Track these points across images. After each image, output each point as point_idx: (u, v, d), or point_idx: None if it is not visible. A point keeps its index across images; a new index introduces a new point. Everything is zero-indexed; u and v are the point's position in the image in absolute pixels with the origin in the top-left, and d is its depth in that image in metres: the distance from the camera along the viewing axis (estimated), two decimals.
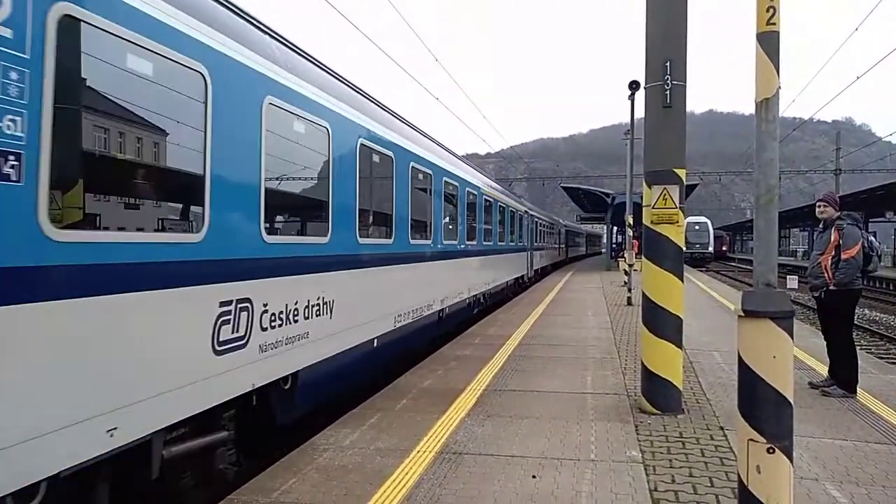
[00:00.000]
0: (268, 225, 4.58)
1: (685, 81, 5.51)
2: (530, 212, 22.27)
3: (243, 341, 4.22)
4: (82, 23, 2.96)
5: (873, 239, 6.31)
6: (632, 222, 17.29)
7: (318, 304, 5.34)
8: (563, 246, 40.47)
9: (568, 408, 5.70)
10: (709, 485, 3.96)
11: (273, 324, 4.60)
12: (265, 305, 4.48)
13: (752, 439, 2.90)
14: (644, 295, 5.63)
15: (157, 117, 3.62)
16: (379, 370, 7.33)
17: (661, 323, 5.46)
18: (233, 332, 4.09)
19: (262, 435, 5.16)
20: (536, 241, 24.33)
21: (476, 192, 12.57)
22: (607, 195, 31.97)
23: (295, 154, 5.26)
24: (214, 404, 3.93)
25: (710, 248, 48.11)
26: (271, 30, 5.05)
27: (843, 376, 6.15)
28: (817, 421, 5.30)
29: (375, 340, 6.72)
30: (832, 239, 6.19)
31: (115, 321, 3.13)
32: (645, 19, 5.62)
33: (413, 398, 6.06)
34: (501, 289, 16.27)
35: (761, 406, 2.90)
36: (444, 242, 9.95)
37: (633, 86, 15.51)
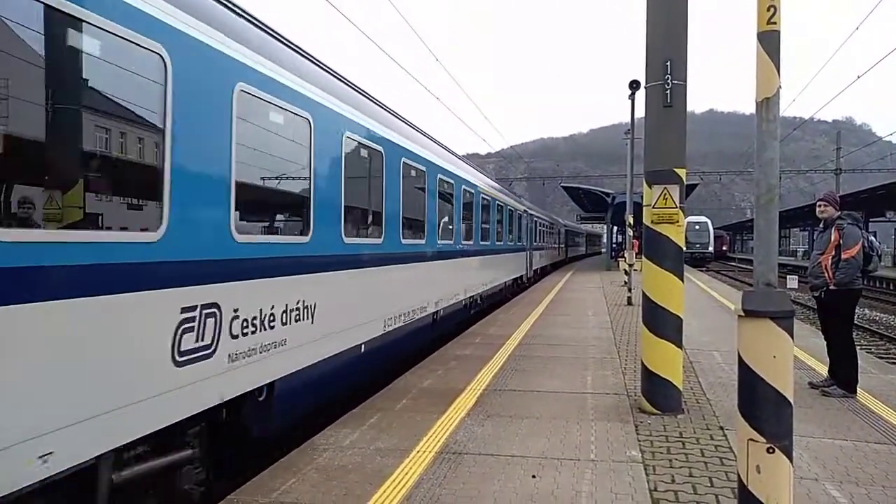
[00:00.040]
0: (239, 223, 4.25)
1: (685, 81, 5.51)
2: (529, 211, 22.16)
3: (209, 350, 3.87)
4: None
5: (873, 239, 6.31)
6: (632, 222, 17.28)
7: (298, 309, 5.01)
8: (562, 246, 40.44)
9: (568, 408, 5.70)
10: (709, 485, 3.95)
11: (245, 331, 4.25)
12: (235, 311, 4.13)
13: (751, 439, 2.90)
14: (644, 295, 5.63)
15: (104, 101, 3.29)
16: (368, 377, 7.03)
17: (661, 323, 5.46)
18: (197, 341, 3.74)
19: (239, 450, 4.84)
20: (536, 241, 24.25)
21: (473, 191, 12.35)
22: (607, 195, 31.97)
23: (272, 146, 4.94)
24: (174, 421, 3.57)
25: (711, 248, 48.12)
26: (246, 12, 4.68)
27: (843, 376, 6.15)
28: (817, 421, 5.30)
29: (363, 346, 6.43)
30: (832, 239, 6.19)
31: (51, 331, 2.78)
32: (645, 19, 5.61)
33: (413, 398, 6.05)
34: (500, 289, 16.13)
35: (761, 406, 2.90)
36: (439, 242, 9.67)
37: (634, 85, 15.50)
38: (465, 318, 12.07)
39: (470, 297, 12.14)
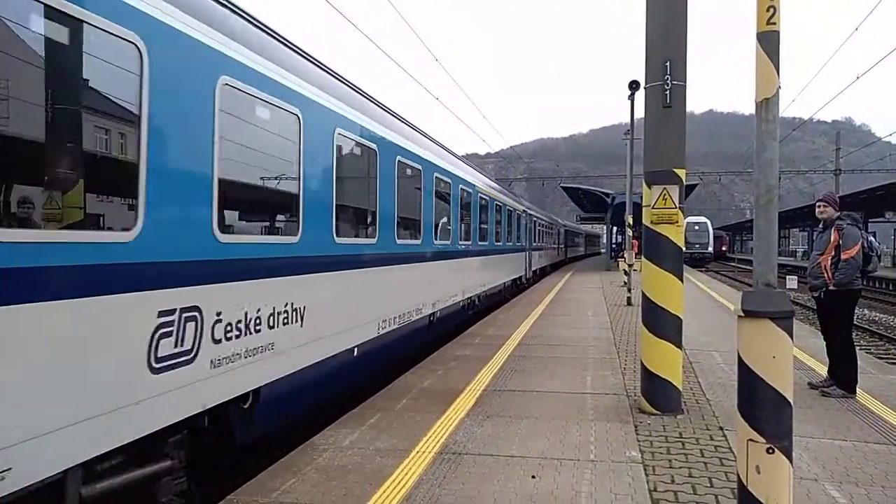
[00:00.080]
0: (222, 222, 4.08)
1: (685, 81, 5.51)
2: (528, 211, 22.12)
3: (190, 356, 3.69)
4: None
5: (873, 239, 6.32)
6: (632, 222, 17.29)
7: (287, 312, 4.82)
8: (562, 246, 40.42)
9: (567, 408, 5.70)
10: (708, 485, 3.96)
11: (229, 335, 4.06)
12: (218, 314, 3.96)
13: (751, 439, 2.90)
14: (644, 295, 5.63)
15: (74, 92, 3.12)
16: (362, 381, 6.91)
17: (661, 323, 5.46)
18: (176, 346, 3.56)
19: (223, 459, 4.69)
20: (535, 241, 24.21)
21: (471, 190, 12.22)
22: (607, 195, 32.01)
23: (258, 143, 4.77)
24: (150, 431, 3.39)
25: (710, 249, 48.14)
26: (230, 2, 4.49)
27: (843, 376, 6.15)
28: (817, 421, 5.30)
29: (356, 349, 6.28)
30: (832, 239, 6.19)
31: (9, 338, 2.62)
32: (645, 19, 5.61)
33: (413, 398, 6.05)
34: (498, 290, 16.06)
35: (761, 406, 2.90)
36: (436, 242, 9.50)
37: (633, 86, 15.52)
38: (463, 319, 11.96)
39: (468, 299, 12.02)
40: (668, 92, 5.45)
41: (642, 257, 5.67)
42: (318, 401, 5.83)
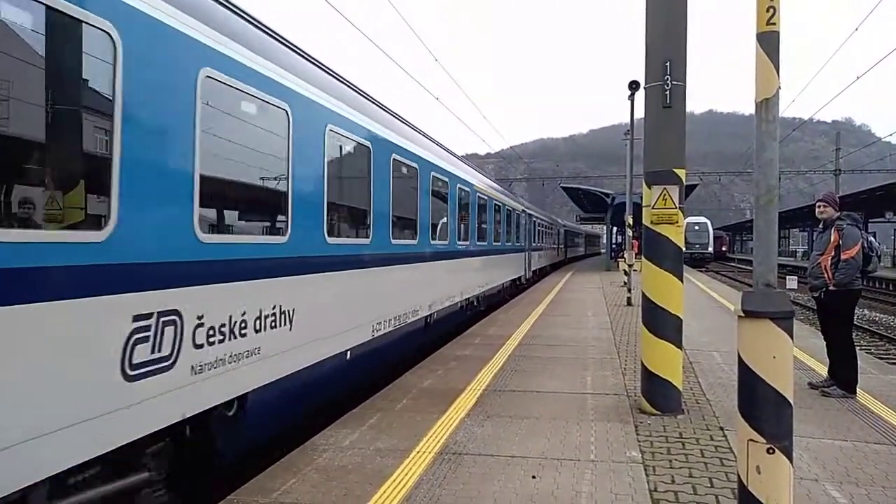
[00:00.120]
0: (204, 221, 3.89)
1: (685, 81, 5.52)
2: (528, 211, 22.10)
3: (169, 362, 3.52)
4: None
5: (873, 239, 6.32)
6: (632, 222, 17.29)
7: (274, 315, 4.65)
8: (562, 246, 40.43)
9: (568, 408, 5.70)
10: (708, 485, 3.95)
11: (211, 339, 3.88)
12: (200, 318, 3.77)
13: (751, 439, 2.90)
14: (644, 295, 5.63)
15: (40, 83, 2.93)
16: (355, 384, 6.74)
17: (661, 323, 5.46)
18: (153, 352, 3.39)
19: (206, 469, 4.43)
20: (534, 242, 24.19)
21: (469, 189, 12.09)
22: (607, 195, 32.01)
23: (244, 138, 4.56)
24: (123, 443, 3.20)
25: (710, 249, 48.18)
26: None
27: (843, 377, 6.15)
28: (817, 421, 5.30)
29: (349, 353, 6.10)
30: (832, 239, 6.19)
31: None
32: (645, 19, 5.62)
33: (413, 398, 6.05)
34: (497, 291, 15.99)
35: (761, 406, 2.90)
36: (433, 242, 9.34)
37: (633, 86, 15.52)
38: (461, 320, 11.85)
39: (466, 300, 11.91)
40: (668, 92, 5.45)
41: (642, 257, 5.67)
42: (309, 407, 5.70)
